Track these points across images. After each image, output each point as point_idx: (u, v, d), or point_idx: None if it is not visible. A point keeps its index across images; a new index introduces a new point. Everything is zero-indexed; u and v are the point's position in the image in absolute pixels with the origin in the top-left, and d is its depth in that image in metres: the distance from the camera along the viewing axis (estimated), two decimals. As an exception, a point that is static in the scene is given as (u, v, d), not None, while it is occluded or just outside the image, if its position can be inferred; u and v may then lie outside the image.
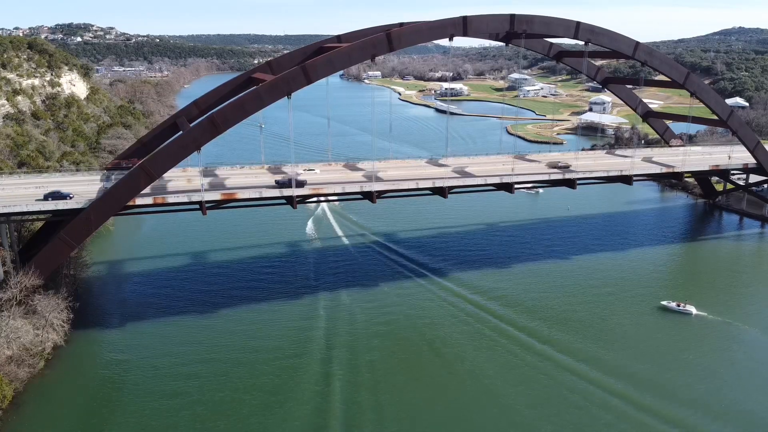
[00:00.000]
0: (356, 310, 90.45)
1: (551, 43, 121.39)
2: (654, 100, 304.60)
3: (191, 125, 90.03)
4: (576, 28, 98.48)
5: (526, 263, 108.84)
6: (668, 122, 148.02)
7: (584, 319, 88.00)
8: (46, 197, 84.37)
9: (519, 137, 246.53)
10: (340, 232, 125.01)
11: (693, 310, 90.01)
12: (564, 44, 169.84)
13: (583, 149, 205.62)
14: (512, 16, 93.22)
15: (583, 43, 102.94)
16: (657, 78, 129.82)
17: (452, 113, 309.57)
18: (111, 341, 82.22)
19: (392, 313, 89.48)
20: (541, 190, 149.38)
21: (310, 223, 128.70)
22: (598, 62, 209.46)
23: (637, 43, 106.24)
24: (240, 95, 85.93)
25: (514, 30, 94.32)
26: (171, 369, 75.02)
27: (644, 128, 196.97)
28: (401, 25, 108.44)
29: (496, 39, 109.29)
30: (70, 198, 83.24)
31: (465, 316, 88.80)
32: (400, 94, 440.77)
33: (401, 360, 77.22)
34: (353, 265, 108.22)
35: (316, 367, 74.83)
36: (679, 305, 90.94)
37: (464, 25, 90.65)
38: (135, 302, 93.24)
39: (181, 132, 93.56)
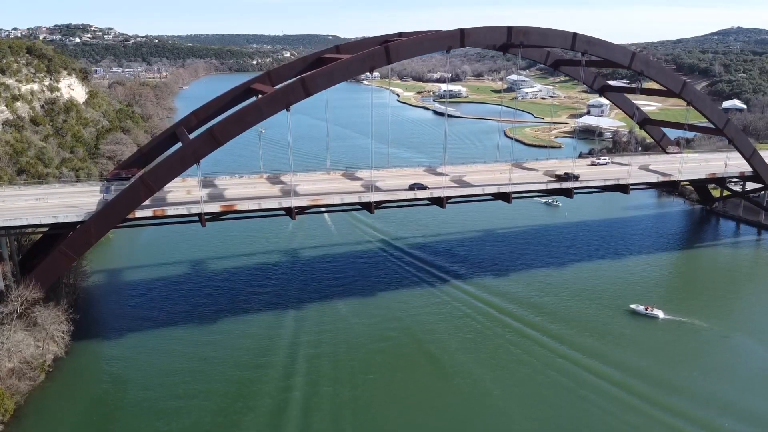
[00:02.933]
0: (353, 320, 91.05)
1: (548, 52, 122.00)
2: (651, 102, 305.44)
3: (191, 138, 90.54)
4: (573, 40, 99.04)
5: (523, 271, 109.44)
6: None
7: (569, 324, 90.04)
8: (411, 188, 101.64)
9: (517, 141, 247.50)
10: (339, 239, 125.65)
11: (660, 314, 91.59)
12: (561, 50, 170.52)
13: (580, 153, 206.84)
14: (509, 28, 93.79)
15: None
16: (653, 87, 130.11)
17: (450, 116, 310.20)
18: (111, 352, 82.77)
19: (390, 323, 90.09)
20: (560, 203, 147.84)
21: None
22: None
23: (634, 53, 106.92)
24: (239, 108, 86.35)
25: (511, 42, 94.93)
26: (171, 381, 75.52)
27: (642, 132, 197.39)
28: (400, 35, 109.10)
29: (494, 49, 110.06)
30: (427, 188, 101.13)
31: (462, 323, 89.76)
32: (398, 95, 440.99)
33: (399, 373, 77.61)
34: (352, 272, 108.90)
35: (316, 387, 74.39)
36: (647, 309, 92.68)
37: (462, 38, 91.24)
38: (135, 312, 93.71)
39: (180, 143, 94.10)
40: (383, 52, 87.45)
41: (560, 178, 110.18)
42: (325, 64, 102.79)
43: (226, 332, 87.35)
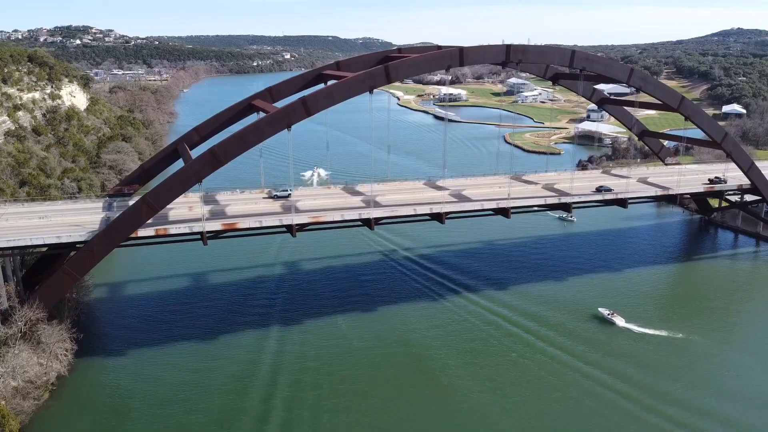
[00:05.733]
0: (352, 338, 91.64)
1: (547, 66, 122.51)
2: (650, 108, 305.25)
3: (193, 156, 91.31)
4: (571, 57, 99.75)
5: (524, 283, 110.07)
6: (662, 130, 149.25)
7: (545, 326, 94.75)
8: (597, 189, 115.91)
9: (516, 146, 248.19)
10: (339, 248, 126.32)
11: (620, 321, 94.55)
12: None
13: (580, 161, 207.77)
14: (508, 46, 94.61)
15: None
16: (652, 99, 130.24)
17: (450, 120, 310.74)
18: (114, 369, 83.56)
19: (390, 339, 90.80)
20: (574, 217, 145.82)
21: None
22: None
23: (632, 69, 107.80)
24: (241, 127, 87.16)
25: (510, 60, 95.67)
26: (172, 400, 76.30)
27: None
28: (399, 50, 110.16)
29: (493, 64, 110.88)
30: (610, 191, 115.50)
31: (464, 335, 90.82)
32: (398, 98, 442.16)
33: (402, 397, 77.61)
34: (352, 285, 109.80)
35: (316, 412, 73.96)
36: (610, 314, 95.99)
37: (461, 57, 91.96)
38: (137, 328, 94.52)
39: (182, 161, 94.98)
40: (383, 72, 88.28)
41: (712, 182, 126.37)
42: (325, 80, 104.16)
43: (227, 349, 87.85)
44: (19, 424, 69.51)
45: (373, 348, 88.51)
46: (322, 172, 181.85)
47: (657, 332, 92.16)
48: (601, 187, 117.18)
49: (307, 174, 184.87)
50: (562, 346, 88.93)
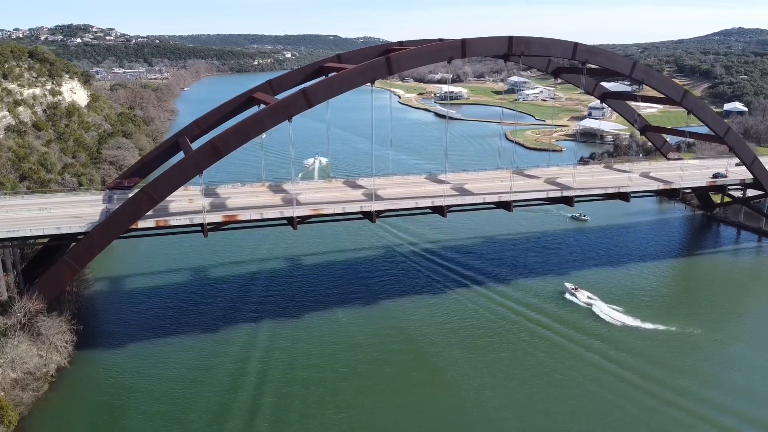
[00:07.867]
0: (354, 332, 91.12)
1: (549, 60, 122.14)
2: (652, 104, 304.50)
3: (193, 148, 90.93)
4: (573, 50, 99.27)
5: (527, 278, 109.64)
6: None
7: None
8: (715, 176, 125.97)
9: (518, 144, 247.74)
10: (340, 242, 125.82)
11: (582, 297, 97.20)
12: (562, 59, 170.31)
13: (581, 158, 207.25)
14: (510, 38, 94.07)
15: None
16: (654, 94, 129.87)
17: (452, 118, 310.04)
18: (114, 361, 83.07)
19: (393, 334, 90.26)
20: (587, 217, 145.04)
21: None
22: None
23: (635, 63, 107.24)
24: (241, 119, 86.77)
25: (512, 52, 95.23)
26: (174, 391, 75.95)
27: (643, 136, 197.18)
28: (401, 44, 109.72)
29: (495, 57, 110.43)
30: (726, 177, 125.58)
31: (469, 331, 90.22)
32: (399, 97, 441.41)
33: (407, 396, 76.42)
34: (353, 279, 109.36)
35: (316, 410, 72.98)
36: (575, 289, 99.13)
37: (463, 48, 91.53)
38: (137, 320, 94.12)
39: (182, 153, 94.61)
40: (384, 64, 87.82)
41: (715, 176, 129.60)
42: (326, 73, 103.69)
43: (226, 344, 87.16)
44: (18, 416, 69.21)
45: (375, 343, 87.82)
46: (323, 160, 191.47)
47: (659, 326, 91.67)
48: (717, 174, 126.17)
49: (309, 161, 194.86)
50: (563, 336, 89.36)
